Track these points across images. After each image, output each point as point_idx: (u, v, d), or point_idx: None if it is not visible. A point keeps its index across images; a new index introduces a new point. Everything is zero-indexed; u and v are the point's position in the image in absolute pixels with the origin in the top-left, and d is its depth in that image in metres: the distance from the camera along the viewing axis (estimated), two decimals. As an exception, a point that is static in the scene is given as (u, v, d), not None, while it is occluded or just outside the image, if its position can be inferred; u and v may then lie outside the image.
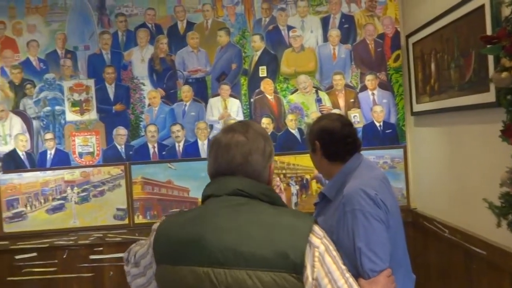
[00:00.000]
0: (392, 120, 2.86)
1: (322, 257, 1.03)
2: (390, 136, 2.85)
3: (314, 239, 1.04)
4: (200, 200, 2.83)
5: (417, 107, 2.67)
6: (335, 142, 1.58)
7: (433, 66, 2.43)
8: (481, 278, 2.04)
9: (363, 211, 1.41)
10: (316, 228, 1.08)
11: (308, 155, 2.81)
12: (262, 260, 1.00)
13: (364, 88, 2.86)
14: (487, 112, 1.90)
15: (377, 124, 2.86)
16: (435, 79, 2.41)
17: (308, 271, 1.01)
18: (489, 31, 1.82)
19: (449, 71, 2.24)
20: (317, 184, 2.83)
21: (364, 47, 2.87)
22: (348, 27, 2.86)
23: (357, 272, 1.36)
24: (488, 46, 1.59)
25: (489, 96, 1.84)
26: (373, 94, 2.86)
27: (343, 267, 1.06)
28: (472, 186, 2.09)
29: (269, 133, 2.81)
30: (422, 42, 2.55)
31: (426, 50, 2.50)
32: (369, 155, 2.84)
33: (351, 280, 1.06)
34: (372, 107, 2.86)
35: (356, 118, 2.86)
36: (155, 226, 1.17)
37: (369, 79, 2.85)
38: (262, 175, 1.16)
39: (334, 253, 1.07)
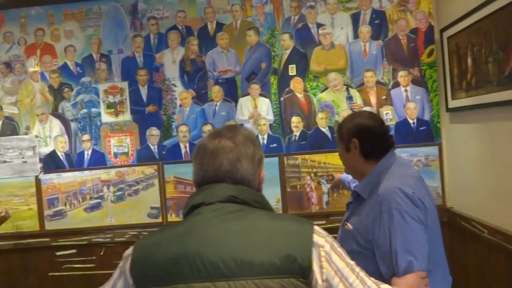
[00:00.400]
0: (426, 117, 2.78)
1: (329, 255, 0.99)
2: (424, 133, 2.78)
3: (319, 239, 1.00)
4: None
5: (453, 103, 2.59)
6: (374, 139, 1.56)
7: (469, 60, 2.35)
8: (523, 281, 1.96)
9: (400, 210, 1.39)
10: (317, 228, 1.04)
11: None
12: (269, 267, 0.95)
13: (396, 84, 2.80)
14: (528, 107, 1.83)
15: (411, 121, 2.79)
16: (472, 74, 2.33)
17: (317, 274, 0.97)
18: (530, 23, 1.74)
19: (487, 65, 2.16)
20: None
21: (396, 43, 2.80)
22: (379, 22, 2.81)
23: (392, 273, 1.36)
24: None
25: (530, 91, 1.76)
26: (406, 90, 2.79)
27: (351, 262, 1.03)
28: (511, 184, 2.01)
29: (299, 132, 2.84)
30: (458, 36, 2.46)
31: (462, 44, 2.42)
32: (402, 153, 2.77)
33: (362, 274, 1.02)
34: (405, 103, 2.79)
35: (389, 115, 2.80)
36: (127, 253, 1.07)
37: (402, 75, 2.79)
38: (252, 183, 1.11)
39: (340, 249, 1.03)
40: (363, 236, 1.46)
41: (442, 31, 2.66)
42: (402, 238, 1.36)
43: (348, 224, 1.55)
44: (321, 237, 1.01)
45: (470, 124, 2.44)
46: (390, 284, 1.18)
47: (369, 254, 1.44)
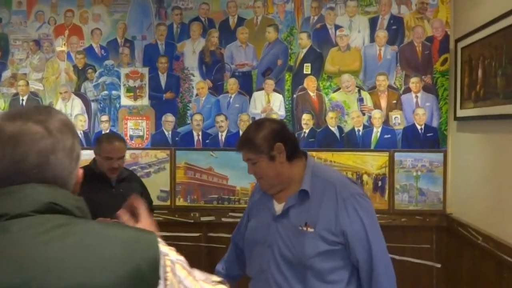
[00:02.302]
0: (434, 124, 2.85)
1: (174, 265, 0.84)
2: (431, 139, 2.85)
3: (163, 247, 0.84)
4: (238, 189, 2.96)
5: (461, 112, 2.65)
6: (290, 138, 1.53)
7: (480, 72, 2.41)
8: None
9: (359, 194, 1.46)
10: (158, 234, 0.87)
11: (347, 153, 2.93)
12: (120, 285, 0.75)
13: (407, 90, 2.87)
14: (530, 122, 1.89)
15: (418, 127, 2.86)
16: (481, 85, 2.39)
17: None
18: (538, 41, 1.80)
19: (495, 78, 2.22)
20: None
21: (411, 49, 2.87)
22: (396, 28, 2.87)
23: (369, 256, 1.40)
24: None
25: (533, 106, 1.83)
26: (416, 96, 2.86)
27: (191, 270, 0.89)
28: (510, 195, 2.08)
29: (308, 129, 2.93)
30: (471, 47, 2.52)
31: (475, 55, 2.48)
32: (407, 157, 2.86)
33: (202, 283, 0.89)
34: (415, 109, 2.86)
35: (397, 119, 2.88)
36: None
37: (414, 82, 2.85)
38: (68, 185, 0.84)
39: (181, 257, 0.88)
40: (331, 231, 1.40)
41: (457, 41, 2.71)
42: (371, 221, 1.43)
43: (309, 227, 1.42)
44: (164, 245, 0.85)
45: (476, 134, 2.51)
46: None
47: (341, 249, 1.42)
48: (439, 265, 2.86)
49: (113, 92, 3.07)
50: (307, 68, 2.93)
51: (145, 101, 3.05)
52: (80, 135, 3.07)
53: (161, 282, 0.80)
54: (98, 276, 0.74)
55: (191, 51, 3.01)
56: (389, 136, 2.88)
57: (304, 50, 2.93)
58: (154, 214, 2.98)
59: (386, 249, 1.45)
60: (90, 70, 3.07)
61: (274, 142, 1.44)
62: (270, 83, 2.95)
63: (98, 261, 0.75)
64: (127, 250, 0.78)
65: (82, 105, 3.09)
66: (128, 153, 3.02)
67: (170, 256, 0.83)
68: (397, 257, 2.88)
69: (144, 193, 2.55)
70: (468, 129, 2.62)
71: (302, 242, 1.42)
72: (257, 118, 2.96)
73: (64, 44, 3.07)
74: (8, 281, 0.69)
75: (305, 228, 1.42)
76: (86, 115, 3.08)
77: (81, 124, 3.07)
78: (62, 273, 0.72)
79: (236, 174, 2.97)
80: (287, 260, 1.44)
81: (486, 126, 2.37)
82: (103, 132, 3.06)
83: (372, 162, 2.89)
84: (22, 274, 0.70)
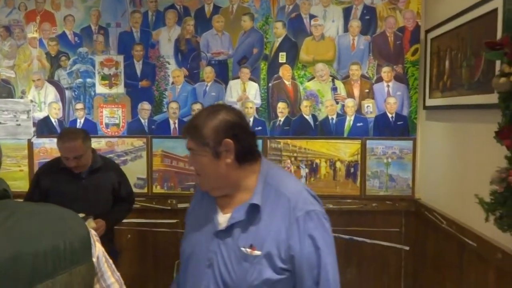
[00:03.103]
0: (405, 112, 2.94)
1: (97, 237, 1.04)
2: (401, 127, 2.95)
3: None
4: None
5: (429, 102, 2.75)
6: (248, 137, 1.25)
7: (447, 63, 2.50)
8: (470, 269, 2.17)
9: (316, 212, 1.20)
10: None
11: (321, 140, 2.86)
12: (74, 254, 0.93)
13: (379, 79, 2.95)
14: (490, 112, 1.98)
15: (389, 116, 2.95)
16: (448, 76, 2.48)
17: (93, 251, 1.00)
18: (499, 35, 1.88)
19: (461, 70, 2.31)
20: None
21: (383, 39, 2.93)
22: (369, 18, 2.93)
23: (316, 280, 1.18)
24: (492, 51, 1.67)
25: (493, 98, 1.92)
26: (388, 86, 2.94)
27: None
28: (471, 182, 2.20)
29: (284, 117, 2.98)
30: (440, 39, 2.61)
31: (443, 46, 2.56)
32: (378, 145, 2.96)
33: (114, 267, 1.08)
34: (386, 98, 2.95)
35: (369, 108, 2.96)
36: None
37: (385, 71, 2.93)
38: None
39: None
40: (281, 256, 1.16)
41: (427, 32, 2.79)
42: (326, 242, 1.19)
43: (255, 250, 1.17)
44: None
45: (443, 123, 2.61)
46: None
47: (291, 277, 1.19)
48: (407, 248, 2.99)
49: (88, 80, 3.04)
50: (282, 57, 2.96)
51: (120, 89, 3.04)
52: (54, 123, 3.05)
53: (93, 256, 0.97)
54: (34, 245, 0.86)
55: (166, 39, 3.00)
56: (361, 124, 2.96)
57: (279, 39, 2.96)
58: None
59: (338, 281, 1.20)
60: (63, 58, 3.03)
61: (224, 136, 1.20)
62: (245, 71, 2.97)
63: (32, 232, 0.88)
64: (58, 225, 0.93)
65: (56, 92, 3.05)
66: (104, 141, 3.03)
67: (92, 232, 1.01)
68: (368, 240, 3.01)
69: (122, 182, 2.56)
70: (436, 118, 2.72)
71: (244, 267, 1.17)
72: (233, 106, 2.99)
73: (36, 31, 3.01)
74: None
75: (249, 251, 1.17)
76: (60, 103, 3.05)
77: (55, 112, 3.04)
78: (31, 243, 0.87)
79: (213, 162, 3.01)
80: (227, 286, 1.19)
81: (452, 116, 2.47)
82: (78, 120, 3.05)
83: (345, 150, 2.98)
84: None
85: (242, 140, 1.22)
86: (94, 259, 0.99)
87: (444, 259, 2.50)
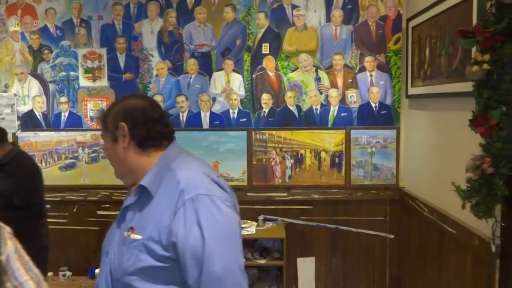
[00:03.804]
0: (388, 101, 2.95)
1: (12, 234, 1.07)
2: (385, 117, 2.96)
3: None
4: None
5: (412, 90, 2.76)
6: (148, 121, 1.19)
7: (427, 51, 2.50)
8: (450, 255, 2.19)
9: (210, 195, 1.09)
10: None
11: (305, 131, 2.85)
12: None
13: (362, 69, 2.95)
14: (468, 100, 1.99)
15: (373, 105, 2.96)
16: (428, 64, 2.49)
17: (2, 249, 1.03)
18: (474, 23, 1.88)
19: (440, 58, 2.32)
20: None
21: (366, 29, 2.93)
22: (351, 8, 2.92)
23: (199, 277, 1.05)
24: (465, 39, 1.68)
25: (469, 86, 1.92)
26: (371, 75, 2.95)
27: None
28: (450, 169, 2.22)
29: (268, 108, 2.99)
30: (420, 27, 2.61)
31: (423, 35, 2.56)
32: (362, 134, 2.97)
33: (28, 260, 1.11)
34: (369, 88, 2.95)
35: (353, 98, 2.96)
36: None
37: (368, 61, 2.94)
38: None
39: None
40: (162, 242, 1.07)
41: (408, 20, 2.79)
42: (215, 228, 1.06)
43: (134, 233, 1.11)
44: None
45: (425, 111, 2.62)
46: None
47: (175, 266, 1.08)
48: (392, 236, 3.03)
49: (71, 73, 3.03)
50: (265, 48, 2.96)
51: (104, 82, 3.03)
52: (39, 117, 3.04)
53: (1, 254, 0.99)
54: None
55: (149, 31, 2.98)
56: (345, 114, 2.97)
57: (262, 30, 2.95)
58: (116, 194, 3.03)
59: (233, 271, 1.06)
60: (46, 51, 3.01)
61: (119, 120, 1.18)
62: (229, 63, 2.97)
63: None
64: None
65: (39, 86, 3.04)
66: (89, 134, 3.04)
67: (7, 229, 1.02)
68: (353, 229, 3.04)
69: (20, 189, 2.33)
70: (418, 107, 2.73)
71: (121, 252, 1.11)
72: (217, 98, 3.00)
73: (18, 24, 2.99)
74: None
75: (128, 233, 1.11)
76: (44, 97, 3.04)
77: (39, 106, 3.04)
78: None
79: (198, 154, 2.99)
80: (112, 276, 1.14)
81: (433, 104, 2.48)
82: (62, 114, 3.04)
83: (329, 140, 2.99)
84: None
85: (139, 125, 1.18)
86: (3, 257, 1.00)
87: (426, 246, 2.53)
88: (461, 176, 1.82)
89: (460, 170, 1.99)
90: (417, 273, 2.67)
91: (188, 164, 1.18)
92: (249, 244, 2.98)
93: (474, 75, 1.65)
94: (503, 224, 1.73)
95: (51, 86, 3.04)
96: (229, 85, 2.99)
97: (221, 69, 2.98)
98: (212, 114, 3.01)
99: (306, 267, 3.08)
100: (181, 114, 3.02)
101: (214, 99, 3.00)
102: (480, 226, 1.88)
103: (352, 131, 2.97)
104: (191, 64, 2.98)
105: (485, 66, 1.61)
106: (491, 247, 1.76)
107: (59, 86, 3.04)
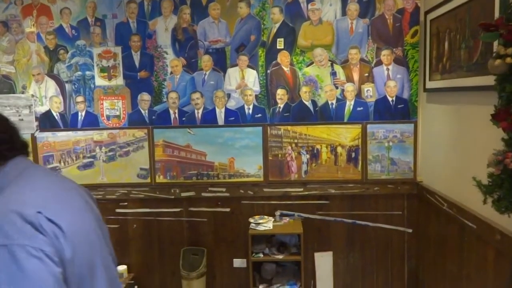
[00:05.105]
0: (405, 95, 2.92)
1: None
2: (402, 111, 2.93)
3: None
4: (216, 164, 3.00)
5: (430, 84, 2.72)
6: None
7: (446, 44, 2.46)
8: (471, 250, 2.18)
9: (8, 245, 0.85)
10: None
11: (321, 126, 2.83)
12: None
13: (379, 62, 2.92)
14: (489, 94, 1.96)
15: (390, 99, 2.93)
16: (447, 57, 2.45)
17: None
18: (497, 16, 1.85)
19: (459, 51, 2.28)
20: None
21: (382, 22, 2.89)
22: (368, 1, 2.88)
23: None
24: (487, 32, 1.65)
25: (491, 79, 1.89)
26: (388, 69, 2.92)
27: None
28: (470, 164, 2.19)
29: (283, 104, 2.98)
30: (439, 20, 2.56)
31: (442, 28, 2.52)
32: (379, 128, 2.95)
33: None
34: (386, 82, 2.92)
35: (369, 92, 2.94)
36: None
37: (385, 54, 2.90)
38: None
39: None
40: None
41: (426, 13, 2.75)
42: None
43: None
44: None
45: (444, 105, 2.59)
46: None
47: None
48: (410, 230, 3.01)
49: (87, 72, 3.05)
50: (280, 43, 2.94)
51: (119, 80, 3.04)
52: (56, 117, 3.07)
53: None
54: None
55: (163, 28, 2.98)
56: (361, 108, 2.95)
57: (277, 25, 2.93)
58: (134, 192, 3.06)
59: None
60: (62, 51, 3.03)
61: None
62: (243, 59, 2.96)
63: None
64: None
65: (56, 86, 3.07)
66: (105, 133, 3.06)
67: None
68: (371, 224, 3.03)
69: None
70: (436, 100, 2.70)
71: None
72: (232, 94, 2.99)
73: (33, 25, 3.02)
74: None
75: None
76: (61, 97, 3.07)
77: (56, 106, 3.07)
78: None
79: (214, 150, 3.04)
80: None
81: (452, 98, 2.45)
82: (79, 113, 3.07)
83: (345, 135, 2.97)
84: None
85: None
86: None
87: (445, 241, 2.51)
88: (482, 171, 1.80)
89: (480, 164, 1.97)
90: (437, 267, 2.66)
91: (10, 196, 0.95)
92: (266, 239, 3.00)
93: (497, 69, 1.62)
94: (527, 219, 1.71)
95: (68, 86, 3.07)
96: (243, 81, 2.98)
97: (236, 65, 2.98)
98: (227, 111, 3.01)
99: (323, 262, 3.09)
100: (196, 111, 3.02)
101: (229, 95, 3.00)
102: (502, 221, 1.86)
103: (369, 126, 2.95)
104: (206, 61, 2.98)
105: (509, 60, 1.58)
106: (515, 243, 1.75)
107: (75, 86, 3.06)
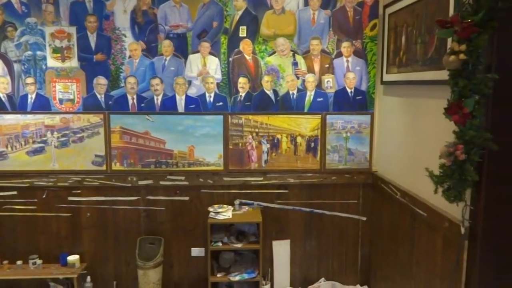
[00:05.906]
0: (363, 87, 2.99)
1: None
2: (360, 102, 3.00)
3: None
4: (175, 152, 2.94)
5: (386, 77, 2.81)
6: None
7: (403, 39, 2.54)
8: (421, 237, 2.29)
9: None
10: None
11: (282, 116, 2.87)
12: None
13: (339, 54, 2.97)
14: (443, 88, 2.05)
15: (349, 91, 3.00)
16: (404, 51, 2.53)
17: None
18: (451, 13, 1.92)
19: (415, 46, 2.36)
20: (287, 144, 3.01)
21: (343, 14, 2.94)
22: (329, -8, 2.91)
23: None
24: (443, 29, 1.71)
25: (444, 74, 1.98)
26: (347, 61, 2.97)
27: None
28: (422, 155, 2.29)
29: (245, 93, 2.96)
30: (397, 14, 2.64)
31: (399, 22, 2.60)
32: (338, 119, 3.01)
33: None
34: (346, 73, 2.98)
35: (329, 83, 2.99)
36: None
37: (345, 46, 2.95)
38: None
39: None
40: None
41: (385, 7, 2.82)
42: None
43: None
44: None
45: (399, 98, 2.68)
46: None
47: None
48: (364, 218, 3.12)
49: (38, 52, 2.87)
50: (242, 31, 2.91)
51: (74, 62, 2.90)
52: (3, 99, 2.88)
53: None
54: None
55: (121, 10, 2.86)
56: (321, 99, 2.99)
57: (240, 12, 2.90)
58: (88, 179, 2.95)
59: None
60: (10, 28, 2.84)
61: None
62: (205, 45, 2.91)
63: None
64: None
65: (3, 66, 2.87)
66: (58, 118, 2.92)
67: None
68: (327, 212, 3.11)
69: None
70: (392, 93, 2.79)
71: None
72: (193, 81, 2.94)
73: (-22, -1, 2.79)
74: None
75: None
76: (8, 77, 2.88)
77: (3, 87, 2.88)
78: None
79: (174, 138, 2.98)
80: None
81: (407, 91, 2.54)
82: (29, 95, 2.90)
83: (305, 125, 3.01)
84: None
85: None
86: None
87: (397, 228, 2.62)
88: (434, 162, 1.89)
89: (432, 156, 2.07)
90: (388, 253, 2.78)
91: None
92: (225, 228, 3.00)
93: (451, 64, 1.69)
94: (472, 207, 1.82)
95: (16, 66, 2.88)
96: (205, 68, 2.93)
97: (197, 51, 2.92)
98: (188, 98, 2.95)
99: (281, 250, 3.14)
100: (155, 97, 2.94)
101: (189, 82, 2.94)
102: (450, 209, 1.96)
103: (328, 116, 3.01)
104: (166, 46, 2.90)
105: (462, 56, 1.66)
106: (461, 229, 1.85)
107: (25, 66, 2.88)
